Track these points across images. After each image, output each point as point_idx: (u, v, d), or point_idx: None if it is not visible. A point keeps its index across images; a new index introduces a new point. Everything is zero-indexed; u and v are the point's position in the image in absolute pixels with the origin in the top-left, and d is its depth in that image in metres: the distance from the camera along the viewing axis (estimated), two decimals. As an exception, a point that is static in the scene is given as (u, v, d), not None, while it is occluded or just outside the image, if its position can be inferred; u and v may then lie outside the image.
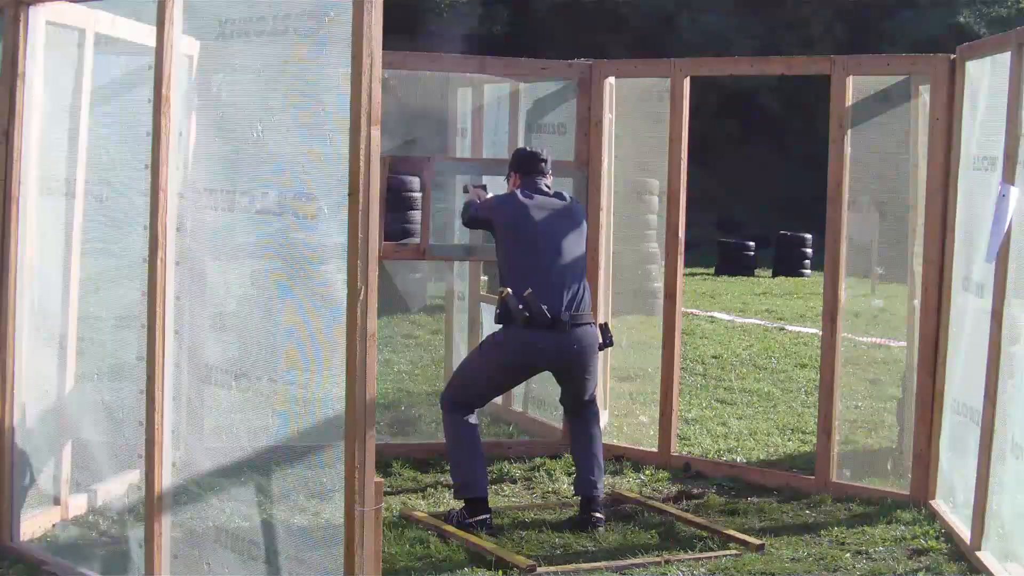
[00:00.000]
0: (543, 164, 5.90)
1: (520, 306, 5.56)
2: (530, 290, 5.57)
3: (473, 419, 5.76)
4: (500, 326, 5.69)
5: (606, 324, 5.95)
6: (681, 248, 6.72)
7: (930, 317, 5.93)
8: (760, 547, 5.30)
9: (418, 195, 8.04)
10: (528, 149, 6.13)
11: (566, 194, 5.93)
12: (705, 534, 5.48)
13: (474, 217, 5.98)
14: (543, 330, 5.56)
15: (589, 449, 5.75)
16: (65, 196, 5.12)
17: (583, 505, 5.67)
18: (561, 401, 6.03)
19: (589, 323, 5.69)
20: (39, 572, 4.78)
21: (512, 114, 7.50)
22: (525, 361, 5.73)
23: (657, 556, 5.18)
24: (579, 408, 5.84)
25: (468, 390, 5.79)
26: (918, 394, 6.01)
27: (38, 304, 5.09)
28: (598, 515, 5.61)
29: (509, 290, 5.61)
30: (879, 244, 6.80)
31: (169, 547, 4.37)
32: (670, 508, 5.91)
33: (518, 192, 5.83)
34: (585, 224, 5.93)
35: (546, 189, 5.86)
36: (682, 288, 6.81)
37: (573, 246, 5.74)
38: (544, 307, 5.55)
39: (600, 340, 5.79)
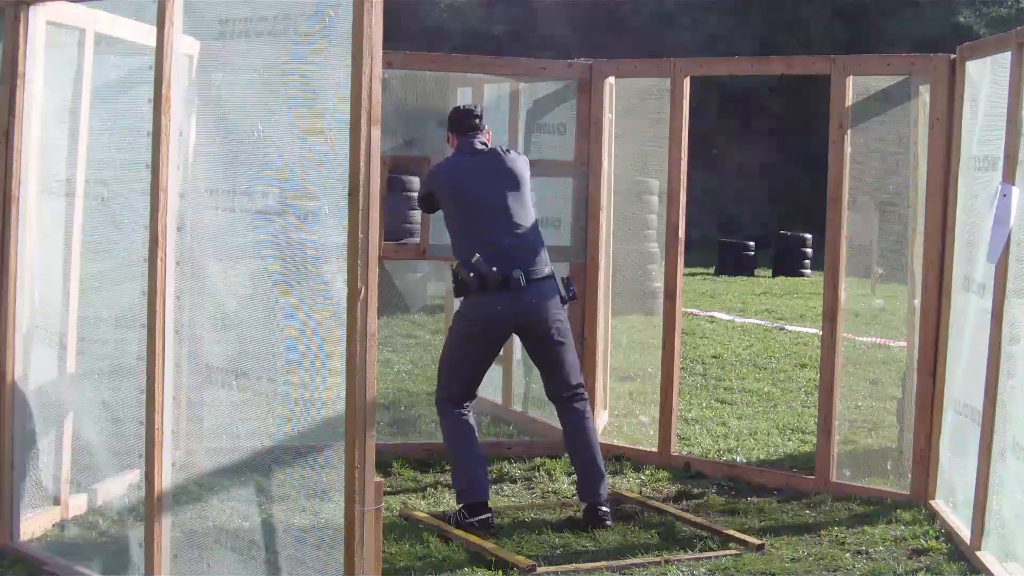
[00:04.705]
0: (477, 120, 5.86)
1: (471, 273, 5.55)
2: (477, 255, 5.54)
3: (469, 418, 5.74)
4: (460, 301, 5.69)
5: (568, 278, 5.87)
6: (681, 248, 6.72)
7: (930, 317, 5.93)
8: (760, 547, 5.30)
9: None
10: (461, 107, 6.10)
11: (503, 148, 5.87)
12: (705, 534, 5.48)
13: (421, 198, 5.96)
14: (497, 292, 5.53)
15: (587, 452, 5.68)
16: (65, 196, 5.12)
17: (587, 511, 5.64)
18: (547, 392, 5.91)
19: (545, 277, 5.62)
20: (39, 572, 4.78)
21: (512, 114, 7.51)
22: (489, 326, 5.65)
23: (657, 556, 5.18)
24: (566, 394, 5.73)
25: (453, 378, 5.75)
26: (918, 394, 6.01)
27: (39, 304, 5.09)
28: (604, 508, 5.58)
29: (458, 261, 5.61)
30: (879, 244, 6.81)
31: (169, 547, 4.37)
32: (670, 508, 5.91)
33: (454, 156, 5.82)
34: (526, 174, 5.80)
35: (481, 147, 5.81)
36: (682, 288, 6.81)
37: (516, 201, 5.68)
38: (494, 268, 5.52)
39: (562, 294, 5.70)
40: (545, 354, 5.75)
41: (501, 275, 5.53)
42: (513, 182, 5.72)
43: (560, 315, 5.69)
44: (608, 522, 5.56)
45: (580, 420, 5.74)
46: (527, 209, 5.72)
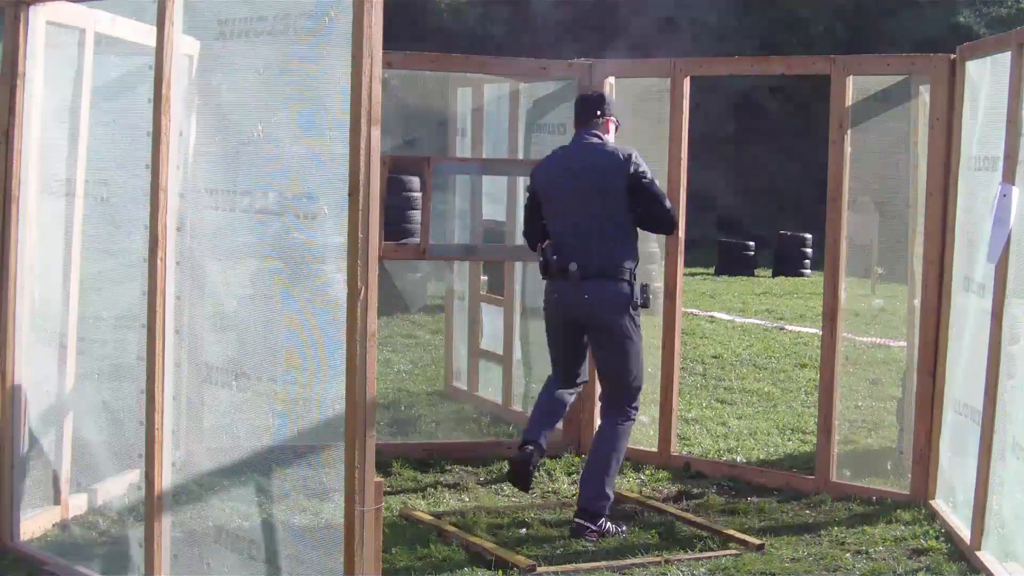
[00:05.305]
0: (590, 111, 5.76)
1: (541, 258, 5.71)
2: (548, 242, 5.68)
3: (564, 391, 5.80)
4: None
5: (646, 285, 5.74)
6: (681, 248, 6.72)
7: (930, 317, 5.93)
8: (760, 547, 5.30)
9: (418, 195, 7.98)
10: (582, 94, 6.01)
11: (612, 148, 5.67)
12: (705, 534, 5.48)
13: (526, 203, 5.97)
14: (557, 280, 5.63)
15: (589, 459, 5.66)
16: (65, 196, 5.12)
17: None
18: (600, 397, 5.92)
19: (609, 278, 5.54)
20: (39, 572, 4.78)
21: (512, 114, 7.50)
22: (554, 313, 5.76)
23: (657, 556, 5.18)
24: (609, 400, 5.69)
25: (552, 360, 5.89)
26: (918, 394, 6.01)
27: (39, 304, 5.09)
28: (578, 521, 5.48)
29: (541, 244, 5.77)
30: (879, 244, 6.80)
31: (169, 547, 4.37)
32: (670, 508, 5.91)
33: (557, 148, 5.87)
34: (620, 175, 5.58)
35: (589, 139, 5.71)
36: (682, 288, 6.81)
37: (592, 199, 5.60)
38: (554, 257, 5.60)
39: (634, 299, 5.58)
40: (599, 353, 5.74)
41: (559, 265, 5.59)
42: (597, 180, 5.61)
43: (621, 320, 5.58)
44: (586, 535, 5.41)
45: (602, 427, 5.69)
46: (606, 209, 5.60)
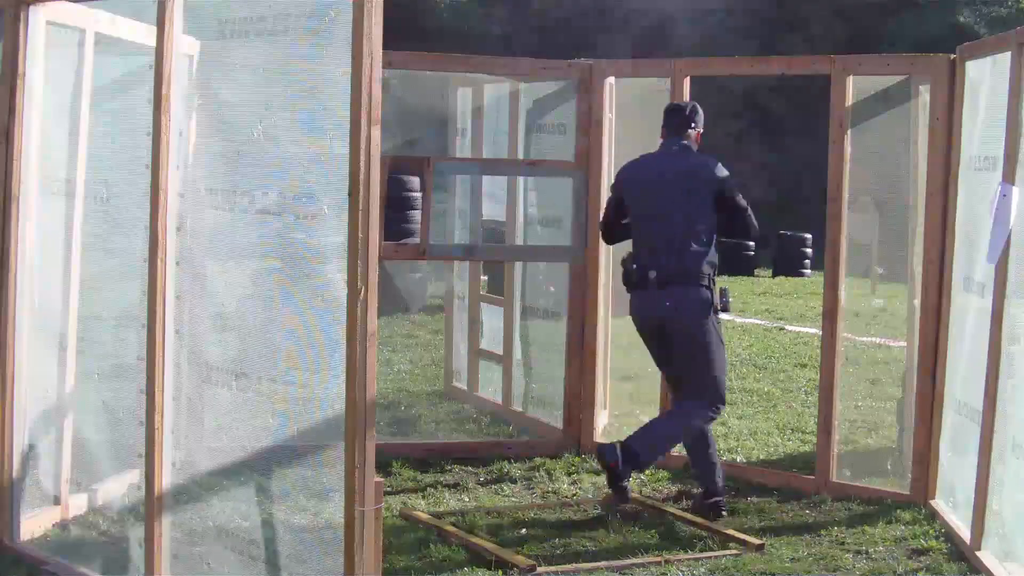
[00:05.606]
0: (684, 123, 5.89)
1: (623, 269, 5.85)
2: (628, 254, 5.84)
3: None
4: None
5: (725, 289, 5.93)
6: (681, 248, 6.71)
7: (930, 317, 5.93)
8: (760, 547, 5.30)
9: (418, 195, 7.97)
10: (675, 104, 6.10)
11: (704, 158, 5.86)
12: (705, 534, 5.48)
13: (608, 201, 6.12)
14: (637, 289, 5.77)
15: (660, 417, 5.91)
16: (65, 196, 5.12)
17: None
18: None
19: (687, 283, 5.66)
20: (39, 572, 4.78)
21: (512, 114, 7.51)
22: (640, 324, 5.91)
23: (657, 556, 5.18)
24: (678, 394, 5.87)
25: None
26: (918, 394, 6.01)
27: (38, 304, 5.09)
28: (613, 443, 5.67)
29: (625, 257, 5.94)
30: (879, 244, 6.80)
31: (169, 547, 4.37)
32: (670, 508, 5.91)
33: (642, 155, 5.99)
34: (710, 186, 5.75)
35: (675, 149, 5.85)
36: (682, 288, 6.80)
37: (673, 207, 5.71)
38: (634, 266, 5.74)
39: (714, 303, 5.72)
40: (676, 357, 5.84)
41: (640, 274, 5.72)
42: (679, 188, 5.75)
43: (701, 324, 5.69)
44: (608, 458, 5.60)
45: (684, 406, 5.82)
46: (692, 216, 5.71)
